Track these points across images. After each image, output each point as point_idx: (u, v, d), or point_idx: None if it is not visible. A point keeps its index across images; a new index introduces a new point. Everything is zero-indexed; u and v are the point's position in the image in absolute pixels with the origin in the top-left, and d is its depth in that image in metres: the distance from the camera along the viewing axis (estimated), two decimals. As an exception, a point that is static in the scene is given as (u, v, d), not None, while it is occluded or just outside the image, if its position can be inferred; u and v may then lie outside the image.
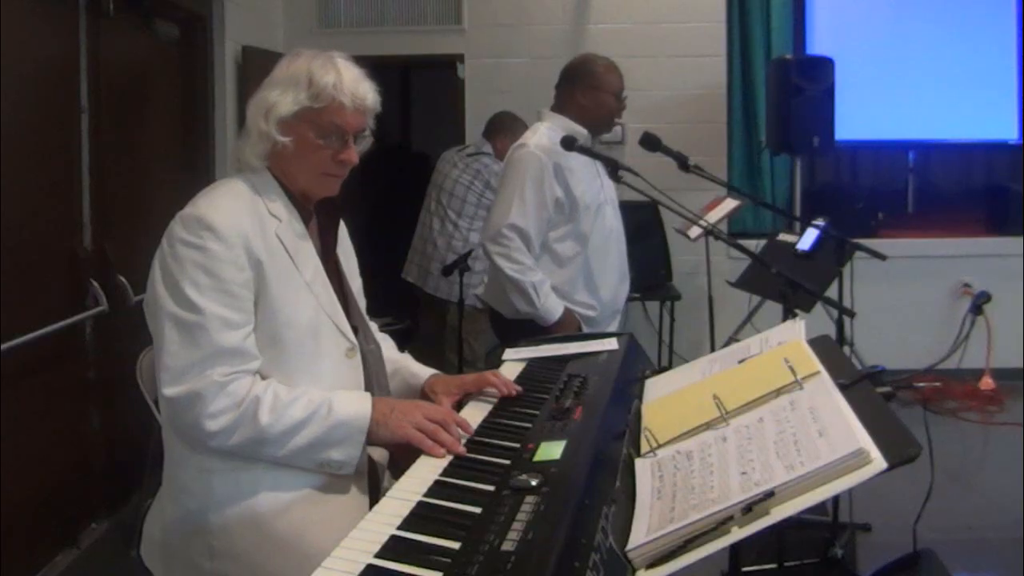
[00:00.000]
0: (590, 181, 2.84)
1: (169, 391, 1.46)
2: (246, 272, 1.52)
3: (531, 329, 2.70)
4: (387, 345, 1.89)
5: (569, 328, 2.78)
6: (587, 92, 2.86)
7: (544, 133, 2.82)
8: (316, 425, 1.50)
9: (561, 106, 2.92)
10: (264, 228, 1.56)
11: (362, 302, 1.81)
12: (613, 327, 3.00)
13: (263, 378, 1.53)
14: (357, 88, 1.58)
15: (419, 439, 1.47)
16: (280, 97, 1.56)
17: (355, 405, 1.54)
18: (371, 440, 1.55)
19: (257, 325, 1.53)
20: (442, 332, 4.48)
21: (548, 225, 2.79)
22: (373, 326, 1.84)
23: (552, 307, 2.75)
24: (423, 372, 1.85)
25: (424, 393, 1.80)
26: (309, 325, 1.58)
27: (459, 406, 1.73)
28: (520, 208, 2.73)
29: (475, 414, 1.64)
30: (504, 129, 4.37)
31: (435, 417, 1.51)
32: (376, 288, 2.07)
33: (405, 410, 1.54)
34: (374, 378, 1.73)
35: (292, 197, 1.64)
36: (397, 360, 1.88)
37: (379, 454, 1.64)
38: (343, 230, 1.80)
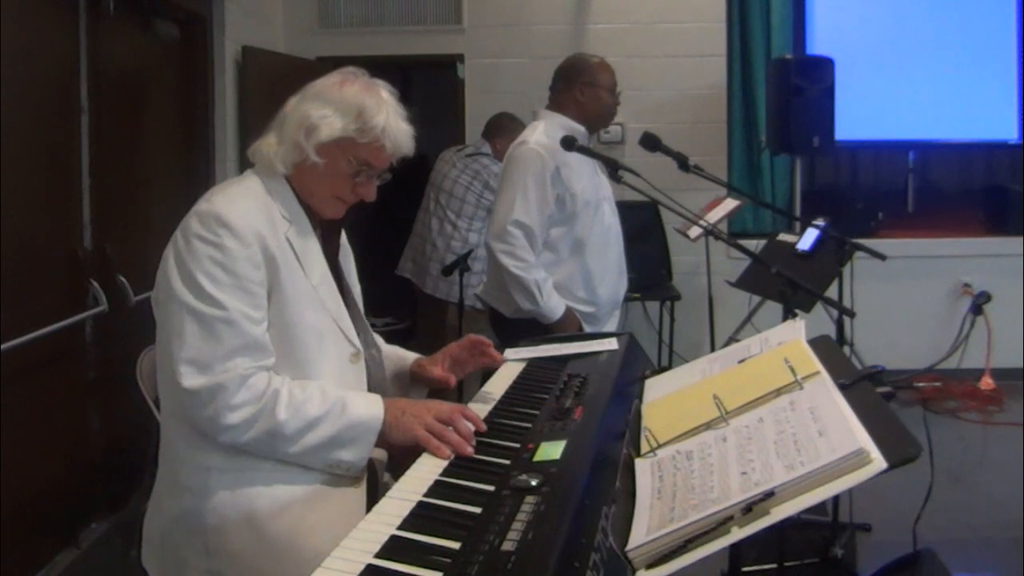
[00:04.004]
0: (589, 178, 2.84)
1: (190, 383, 1.46)
2: (261, 270, 1.53)
3: (531, 328, 2.70)
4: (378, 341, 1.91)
5: (570, 326, 2.78)
6: (585, 89, 2.88)
7: (543, 131, 2.82)
8: (330, 423, 1.51)
9: (558, 105, 2.92)
10: (276, 229, 1.58)
11: (360, 307, 1.82)
12: (612, 323, 3.01)
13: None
14: (400, 136, 1.62)
15: (426, 439, 1.47)
16: (326, 120, 1.57)
17: (368, 406, 1.55)
18: (381, 442, 1.56)
19: (268, 324, 1.54)
20: (441, 332, 4.47)
21: (549, 221, 2.79)
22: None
23: (554, 305, 2.75)
24: (409, 356, 1.90)
25: (413, 372, 1.85)
26: (315, 328, 1.59)
27: (460, 392, 1.74)
28: (524, 204, 2.74)
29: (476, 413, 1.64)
30: (503, 130, 4.38)
31: (444, 417, 1.51)
32: (376, 288, 2.07)
33: (416, 412, 1.54)
34: (376, 384, 1.74)
35: (302, 204, 1.66)
36: (385, 348, 1.90)
37: (377, 453, 1.64)
38: (343, 236, 1.82)
